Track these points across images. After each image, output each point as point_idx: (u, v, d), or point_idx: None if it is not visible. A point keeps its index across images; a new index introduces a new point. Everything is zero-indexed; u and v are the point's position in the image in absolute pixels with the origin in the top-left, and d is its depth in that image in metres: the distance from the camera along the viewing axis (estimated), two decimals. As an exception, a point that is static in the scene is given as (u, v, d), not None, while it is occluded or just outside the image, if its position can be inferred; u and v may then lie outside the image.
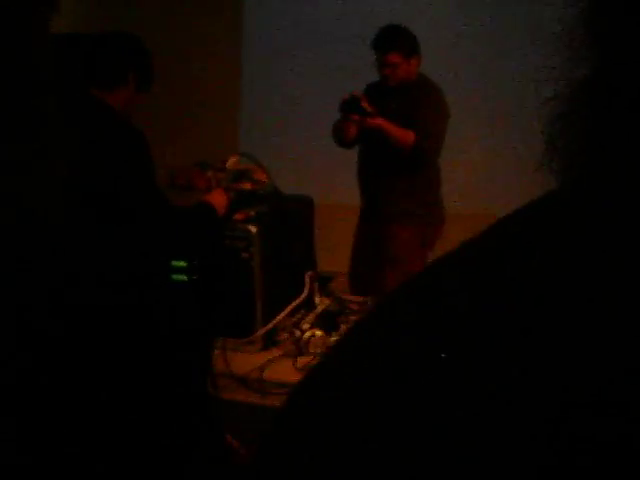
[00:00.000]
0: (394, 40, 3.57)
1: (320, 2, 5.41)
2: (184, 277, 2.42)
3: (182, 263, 2.41)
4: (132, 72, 2.18)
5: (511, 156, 5.27)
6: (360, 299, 2.83)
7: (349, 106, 3.54)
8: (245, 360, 2.34)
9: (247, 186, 2.64)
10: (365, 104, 3.52)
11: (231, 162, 2.55)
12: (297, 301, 2.47)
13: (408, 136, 3.50)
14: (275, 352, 2.40)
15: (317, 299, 2.62)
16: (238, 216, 2.37)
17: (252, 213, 2.39)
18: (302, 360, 2.32)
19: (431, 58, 4.95)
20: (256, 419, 2.41)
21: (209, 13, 5.48)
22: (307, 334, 2.38)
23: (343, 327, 2.53)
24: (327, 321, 2.51)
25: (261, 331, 2.39)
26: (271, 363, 2.33)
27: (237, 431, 2.54)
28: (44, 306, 1.22)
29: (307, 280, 2.56)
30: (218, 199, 2.31)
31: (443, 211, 3.85)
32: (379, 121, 3.52)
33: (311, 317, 2.53)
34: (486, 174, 5.29)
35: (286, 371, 2.28)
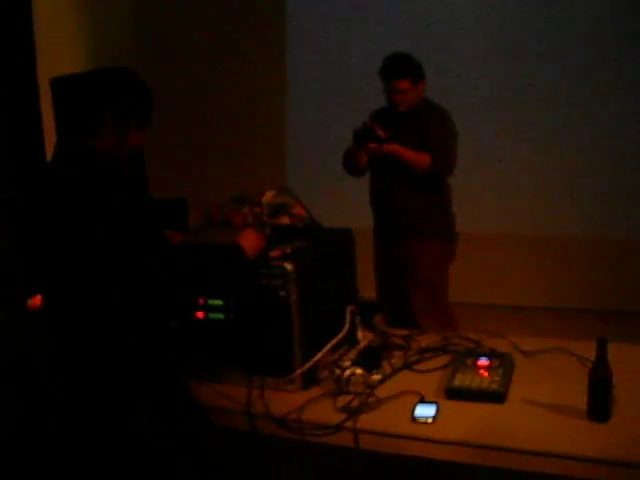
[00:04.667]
0: (403, 67, 3.62)
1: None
2: (221, 316, 2.39)
3: (219, 302, 2.39)
4: (108, 118, 2.00)
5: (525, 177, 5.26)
6: (404, 333, 2.75)
7: (364, 135, 3.58)
8: (284, 399, 2.29)
9: (285, 220, 2.60)
10: (380, 131, 3.55)
11: (267, 197, 2.51)
12: (336, 339, 2.41)
13: (424, 158, 3.55)
14: (315, 391, 2.34)
15: (360, 334, 2.55)
16: (274, 253, 2.33)
17: (288, 250, 2.34)
18: (342, 399, 2.25)
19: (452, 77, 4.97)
20: (296, 457, 2.37)
21: (256, 60, 5.62)
22: (347, 372, 2.31)
23: (385, 364, 2.46)
24: (369, 358, 2.44)
25: (300, 370, 2.33)
26: (310, 403, 2.26)
27: (279, 468, 2.50)
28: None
29: (348, 315, 2.49)
30: (249, 239, 2.26)
31: (455, 228, 3.88)
32: (395, 147, 3.57)
33: (353, 353, 2.46)
34: (496, 195, 5.28)
35: (326, 411, 2.22)
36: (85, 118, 2.01)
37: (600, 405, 2.06)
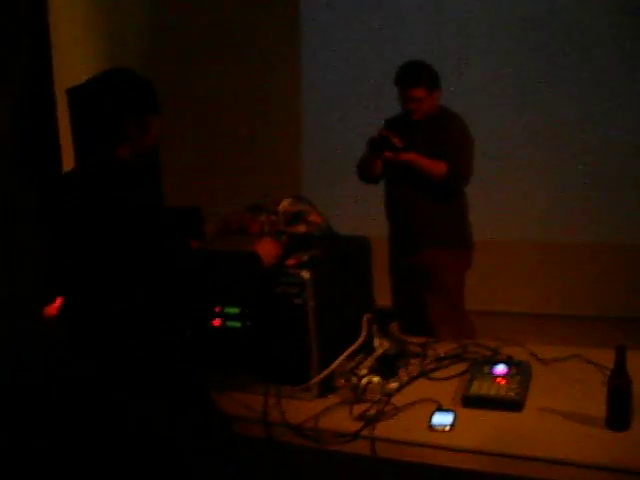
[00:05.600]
0: (418, 76, 3.61)
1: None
2: (237, 324, 2.40)
3: (235, 310, 2.39)
4: (130, 125, 2.03)
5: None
6: (421, 340, 2.75)
7: (380, 144, 3.58)
8: (301, 407, 2.29)
9: (302, 229, 2.60)
10: (395, 140, 3.54)
11: (284, 205, 2.52)
12: (353, 347, 2.40)
13: (440, 167, 3.54)
14: (332, 399, 2.33)
15: (376, 342, 2.55)
16: (290, 261, 2.33)
17: (304, 258, 2.35)
18: (359, 408, 2.25)
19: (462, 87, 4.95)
20: (312, 465, 2.36)
21: (271, 65, 5.64)
22: (364, 380, 2.31)
23: (402, 372, 2.46)
24: (385, 366, 2.44)
25: (316, 378, 2.33)
26: (327, 411, 2.26)
27: (295, 477, 2.49)
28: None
29: (364, 323, 2.49)
30: (266, 248, 2.26)
31: (472, 237, 3.86)
32: (411, 155, 3.57)
33: (369, 361, 2.45)
34: (510, 203, 5.26)
35: (343, 419, 2.22)
36: (108, 129, 2.03)
37: (619, 414, 2.05)
